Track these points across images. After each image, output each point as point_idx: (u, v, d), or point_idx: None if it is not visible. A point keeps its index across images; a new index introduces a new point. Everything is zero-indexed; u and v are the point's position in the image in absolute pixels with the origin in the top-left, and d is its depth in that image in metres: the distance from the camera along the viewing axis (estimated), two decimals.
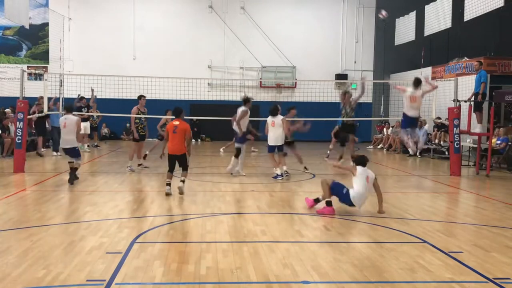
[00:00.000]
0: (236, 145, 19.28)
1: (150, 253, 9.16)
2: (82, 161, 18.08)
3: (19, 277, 7.80)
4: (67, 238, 10.14)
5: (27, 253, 8.99)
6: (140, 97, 20.86)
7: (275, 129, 18.59)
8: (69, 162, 17.46)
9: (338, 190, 13.16)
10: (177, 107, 16.06)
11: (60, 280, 7.69)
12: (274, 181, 18.21)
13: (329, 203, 13.11)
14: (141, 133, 20.59)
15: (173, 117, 15.77)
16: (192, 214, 12.79)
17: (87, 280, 7.69)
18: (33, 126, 25.31)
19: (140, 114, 20.56)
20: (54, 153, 24.81)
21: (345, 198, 13.00)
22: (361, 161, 13.40)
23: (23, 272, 8.01)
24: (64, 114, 17.59)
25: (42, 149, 26.25)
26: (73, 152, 17.34)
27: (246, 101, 19.33)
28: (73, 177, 17.02)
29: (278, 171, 18.69)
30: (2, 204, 13.50)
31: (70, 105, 18.26)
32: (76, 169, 17.30)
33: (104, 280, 7.67)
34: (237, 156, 19.29)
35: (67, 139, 17.22)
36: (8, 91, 32.08)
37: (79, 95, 27.45)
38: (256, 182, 17.89)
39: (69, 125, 17.12)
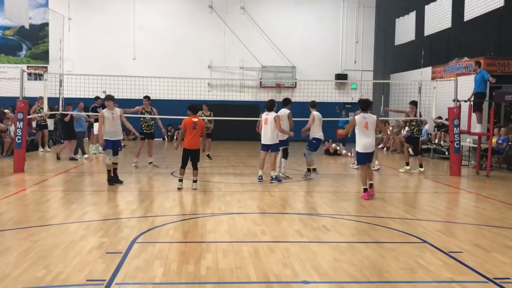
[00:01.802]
0: (283, 146, 18.98)
1: (150, 253, 9.15)
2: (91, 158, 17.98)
3: (19, 277, 7.79)
4: (67, 238, 10.13)
5: (27, 253, 8.99)
6: (144, 97, 21.55)
7: (267, 127, 18.02)
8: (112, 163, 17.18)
9: (358, 159, 15.46)
10: (195, 105, 17.02)
11: (60, 280, 7.69)
12: (275, 181, 18.15)
13: (365, 190, 15.19)
14: (145, 131, 21.23)
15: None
16: (192, 214, 12.79)
17: (87, 280, 7.69)
18: (63, 129, 25.30)
19: (144, 114, 21.15)
20: (85, 156, 24.69)
21: (360, 157, 15.27)
22: (362, 104, 15.21)
23: (23, 272, 8.00)
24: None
25: (42, 149, 26.35)
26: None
27: (287, 102, 18.97)
28: (113, 177, 17.10)
29: (273, 174, 18.20)
30: (2, 204, 13.50)
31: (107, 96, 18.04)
32: (115, 169, 17.26)
33: (104, 280, 7.66)
34: (285, 157, 19.13)
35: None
36: (8, 91, 32.16)
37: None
38: (256, 182, 17.87)
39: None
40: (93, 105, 26.26)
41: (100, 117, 17.09)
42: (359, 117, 14.88)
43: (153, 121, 21.47)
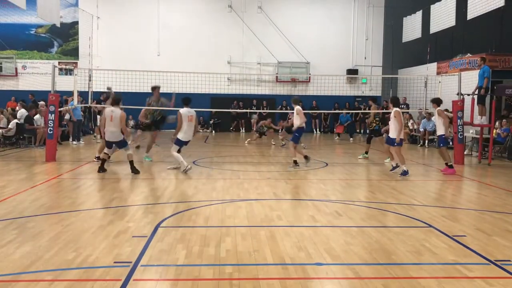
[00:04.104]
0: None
1: (174, 236, 9.15)
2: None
3: (51, 259, 7.81)
4: (96, 223, 10.16)
5: (58, 236, 9.02)
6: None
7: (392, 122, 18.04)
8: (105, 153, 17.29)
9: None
10: None
11: (89, 262, 7.70)
12: (294, 170, 18.16)
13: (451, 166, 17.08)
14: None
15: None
16: (212, 200, 12.77)
17: (115, 262, 7.69)
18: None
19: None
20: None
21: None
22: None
23: (55, 254, 8.02)
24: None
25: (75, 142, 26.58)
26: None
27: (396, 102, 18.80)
28: (134, 169, 16.74)
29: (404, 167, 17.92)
30: (35, 191, 13.54)
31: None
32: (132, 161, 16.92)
33: (130, 262, 7.67)
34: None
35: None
36: (40, 85, 32.39)
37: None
38: (273, 171, 17.86)
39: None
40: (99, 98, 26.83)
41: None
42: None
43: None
